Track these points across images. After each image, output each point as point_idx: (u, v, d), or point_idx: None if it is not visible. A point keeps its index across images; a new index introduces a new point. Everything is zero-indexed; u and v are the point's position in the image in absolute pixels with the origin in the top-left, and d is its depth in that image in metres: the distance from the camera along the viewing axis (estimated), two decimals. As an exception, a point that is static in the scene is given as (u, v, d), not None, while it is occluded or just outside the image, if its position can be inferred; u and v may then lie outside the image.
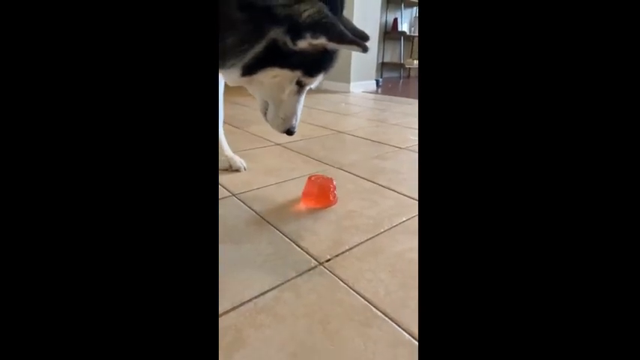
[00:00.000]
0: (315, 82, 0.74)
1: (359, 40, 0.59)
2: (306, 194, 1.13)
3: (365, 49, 0.60)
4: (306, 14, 0.56)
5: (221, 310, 0.68)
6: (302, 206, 1.11)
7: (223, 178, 1.28)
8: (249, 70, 0.63)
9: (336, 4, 0.64)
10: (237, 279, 0.76)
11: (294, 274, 0.78)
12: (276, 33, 0.58)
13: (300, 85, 0.73)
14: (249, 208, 1.08)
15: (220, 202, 1.11)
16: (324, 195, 1.11)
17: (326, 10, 0.58)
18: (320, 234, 0.95)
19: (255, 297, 0.71)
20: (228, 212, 1.06)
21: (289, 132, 0.83)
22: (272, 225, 0.99)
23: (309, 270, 0.80)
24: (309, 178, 1.14)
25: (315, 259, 0.84)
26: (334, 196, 1.13)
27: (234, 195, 1.16)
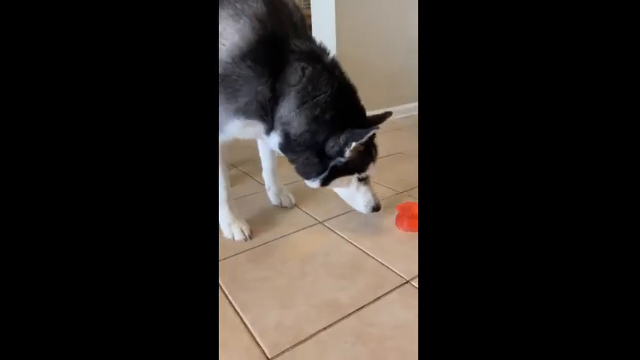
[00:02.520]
0: (371, 172, 1.02)
1: (373, 127, 0.90)
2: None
3: (378, 127, 0.91)
4: (341, 141, 0.90)
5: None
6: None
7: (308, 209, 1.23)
8: (324, 184, 0.97)
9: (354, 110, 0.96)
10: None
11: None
12: (335, 162, 0.93)
13: (361, 179, 1.01)
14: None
15: (307, 230, 1.06)
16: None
17: (350, 132, 0.89)
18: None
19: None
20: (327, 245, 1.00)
21: (374, 209, 1.04)
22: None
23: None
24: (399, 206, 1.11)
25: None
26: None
27: (320, 222, 1.11)
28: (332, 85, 0.89)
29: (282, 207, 1.22)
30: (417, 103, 2.42)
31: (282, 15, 0.89)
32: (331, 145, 0.90)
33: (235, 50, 0.82)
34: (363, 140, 0.89)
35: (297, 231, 1.06)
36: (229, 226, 1.05)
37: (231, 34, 0.83)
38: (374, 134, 0.92)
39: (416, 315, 0.72)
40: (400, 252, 0.94)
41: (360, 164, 0.97)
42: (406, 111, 2.37)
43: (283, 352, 0.66)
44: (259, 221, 1.12)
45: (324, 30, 1.94)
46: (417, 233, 1.02)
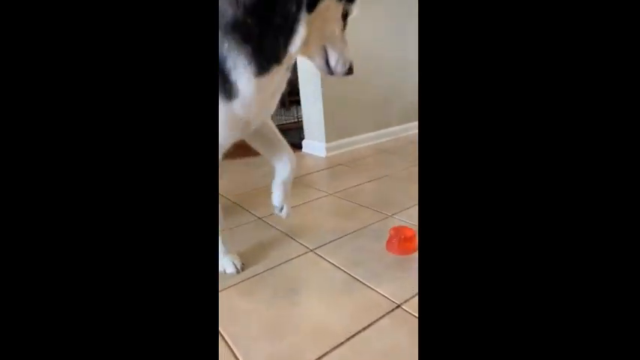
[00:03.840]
0: (354, 10, 0.82)
1: None
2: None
3: None
4: None
5: None
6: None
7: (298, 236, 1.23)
8: (311, 7, 0.72)
9: None
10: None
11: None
12: None
13: (345, 18, 0.81)
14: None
15: (298, 260, 1.06)
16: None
17: None
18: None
19: None
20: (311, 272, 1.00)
21: (351, 70, 0.87)
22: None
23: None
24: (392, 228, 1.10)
25: (414, 317, 0.73)
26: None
27: (312, 250, 1.11)
28: None
29: (278, 212, 1.13)
30: (403, 126, 2.47)
31: None
32: None
33: None
34: None
35: (288, 261, 1.06)
36: (220, 259, 1.03)
37: None
38: None
39: (407, 340, 0.72)
40: (391, 276, 0.94)
41: None
42: (391, 134, 2.42)
43: (276, 385, 0.65)
44: (250, 253, 1.12)
45: (308, 63, 2.00)
46: (408, 256, 1.03)
